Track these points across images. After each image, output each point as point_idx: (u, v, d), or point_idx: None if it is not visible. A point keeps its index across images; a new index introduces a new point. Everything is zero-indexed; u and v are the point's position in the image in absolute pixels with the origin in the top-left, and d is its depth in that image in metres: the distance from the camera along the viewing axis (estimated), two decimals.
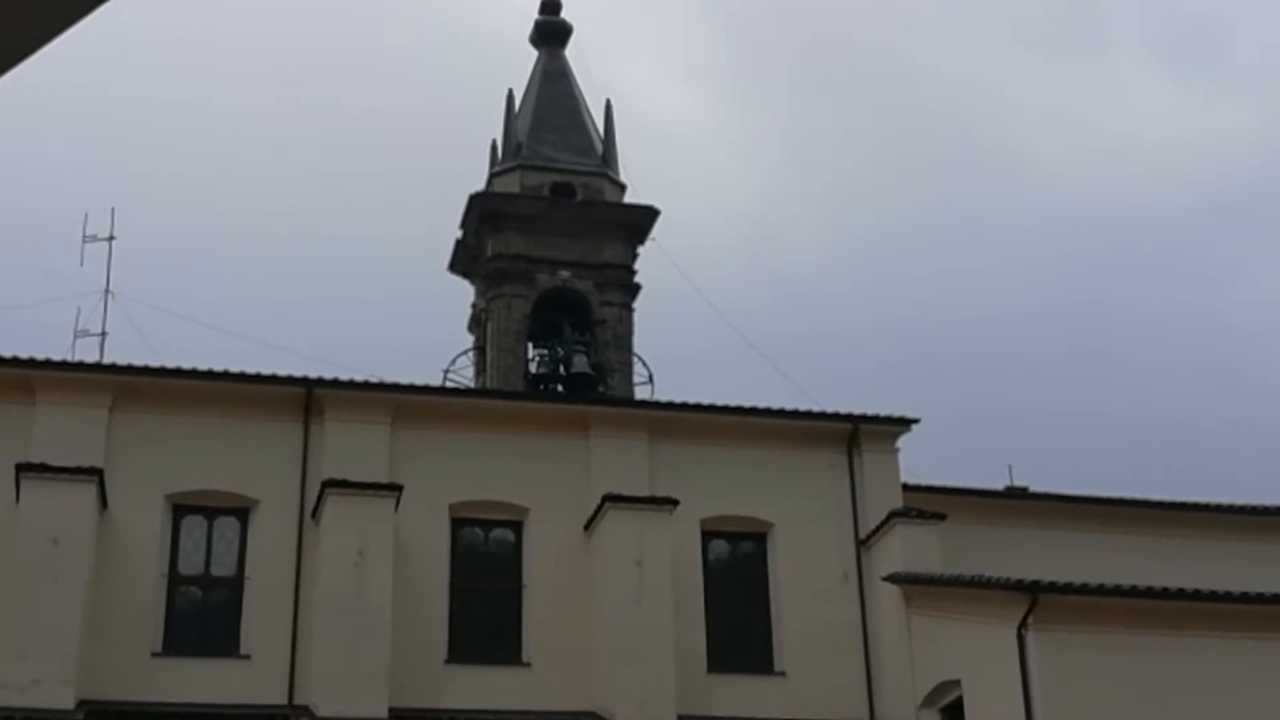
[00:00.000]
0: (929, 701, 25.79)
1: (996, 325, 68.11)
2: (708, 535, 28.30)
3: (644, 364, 35.15)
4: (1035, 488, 31.96)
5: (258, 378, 27.09)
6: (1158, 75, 79.55)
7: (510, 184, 36.90)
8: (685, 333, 45.33)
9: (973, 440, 53.61)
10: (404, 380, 28.23)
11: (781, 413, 29.21)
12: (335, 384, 27.37)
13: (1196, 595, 23.57)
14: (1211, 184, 74.80)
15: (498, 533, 27.88)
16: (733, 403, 28.99)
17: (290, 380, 27.22)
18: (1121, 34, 79.62)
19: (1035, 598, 22.61)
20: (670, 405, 29.25)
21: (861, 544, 28.29)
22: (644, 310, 35.96)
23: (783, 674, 27.59)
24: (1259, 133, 76.26)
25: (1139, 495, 31.84)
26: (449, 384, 34.19)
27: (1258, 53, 78.38)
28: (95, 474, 24.96)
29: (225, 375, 26.95)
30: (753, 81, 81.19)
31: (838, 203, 77.24)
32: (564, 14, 40.69)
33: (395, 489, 25.93)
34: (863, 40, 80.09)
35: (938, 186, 76.38)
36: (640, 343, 35.38)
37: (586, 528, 27.28)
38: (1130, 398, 66.10)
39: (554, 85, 39.43)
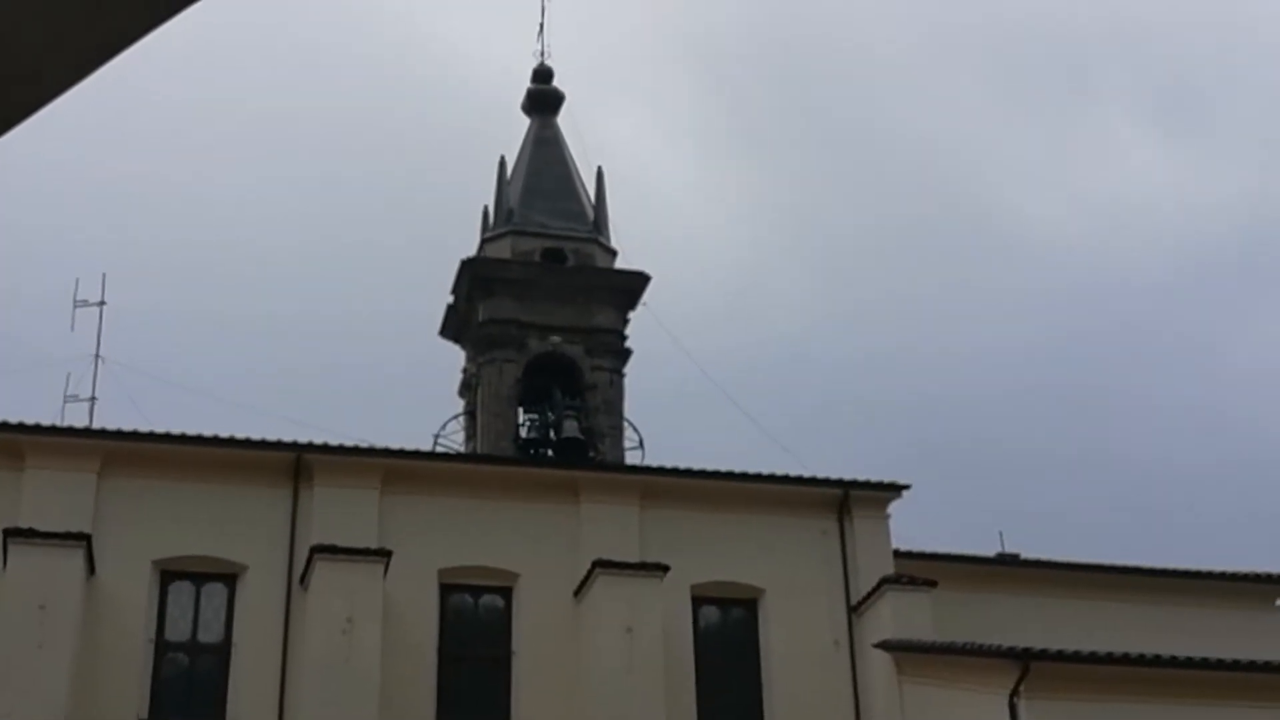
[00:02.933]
0: None
1: (986, 390, 68.27)
2: (698, 602, 28.19)
3: (634, 429, 35.18)
4: (1026, 554, 31.86)
5: (246, 443, 27.04)
6: (1145, 138, 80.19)
7: (502, 249, 37.05)
8: (676, 396, 45.36)
9: (963, 507, 53.54)
10: (394, 445, 28.20)
11: (772, 478, 29.18)
12: (324, 449, 27.32)
13: (1189, 663, 23.48)
14: (1198, 249, 75.19)
15: (487, 599, 27.74)
16: (723, 468, 28.98)
17: (279, 445, 27.17)
18: (1110, 97, 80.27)
19: (1027, 665, 22.51)
20: (661, 470, 29.22)
21: (853, 610, 28.18)
22: (634, 374, 36.04)
23: None
24: (1246, 196, 76.74)
25: (1130, 562, 31.75)
26: (439, 449, 34.15)
27: (1245, 117, 79.07)
28: (83, 539, 24.85)
29: (214, 440, 26.90)
30: (745, 146, 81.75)
31: (828, 266, 77.59)
32: (556, 82, 41.01)
33: (384, 554, 25.80)
34: (853, 105, 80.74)
35: (926, 250, 76.77)
36: (631, 408, 35.42)
37: (576, 594, 27.15)
38: (1120, 465, 66.17)
39: (545, 152, 39.68)
